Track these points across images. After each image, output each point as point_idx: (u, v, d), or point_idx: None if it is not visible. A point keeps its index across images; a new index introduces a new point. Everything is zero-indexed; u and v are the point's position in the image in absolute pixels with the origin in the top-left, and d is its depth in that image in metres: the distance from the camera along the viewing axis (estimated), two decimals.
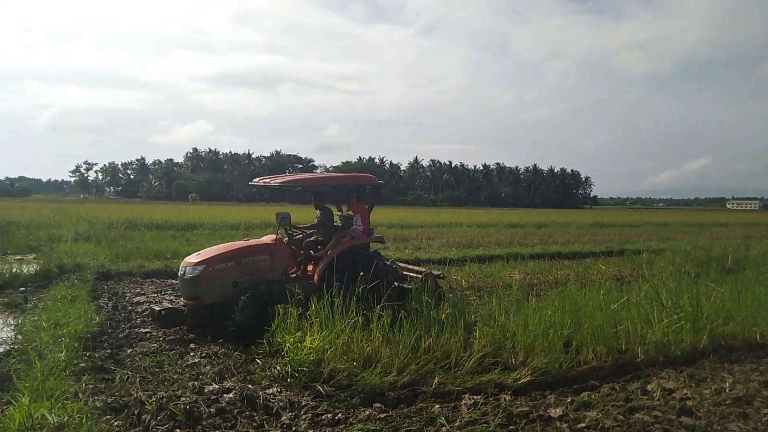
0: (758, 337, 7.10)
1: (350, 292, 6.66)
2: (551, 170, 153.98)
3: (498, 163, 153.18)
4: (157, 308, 7.48)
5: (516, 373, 5.61)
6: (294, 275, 8.00)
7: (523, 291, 8.28)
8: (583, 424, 4.57)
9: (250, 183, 8.64)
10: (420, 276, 8.53)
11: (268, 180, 7.90)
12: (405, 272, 8.76)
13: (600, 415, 4.78)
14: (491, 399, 5.16)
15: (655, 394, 5.28)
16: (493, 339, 6.18)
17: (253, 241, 7.95)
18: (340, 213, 8.95)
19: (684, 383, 5.56)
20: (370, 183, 8.67)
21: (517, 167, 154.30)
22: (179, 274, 7.37)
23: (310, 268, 8.09)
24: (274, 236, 7.92)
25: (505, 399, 5.14)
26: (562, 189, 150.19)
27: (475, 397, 5.17)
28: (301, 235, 8.46)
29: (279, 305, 6.55)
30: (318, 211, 8.59)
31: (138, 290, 10.73)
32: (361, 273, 7.23)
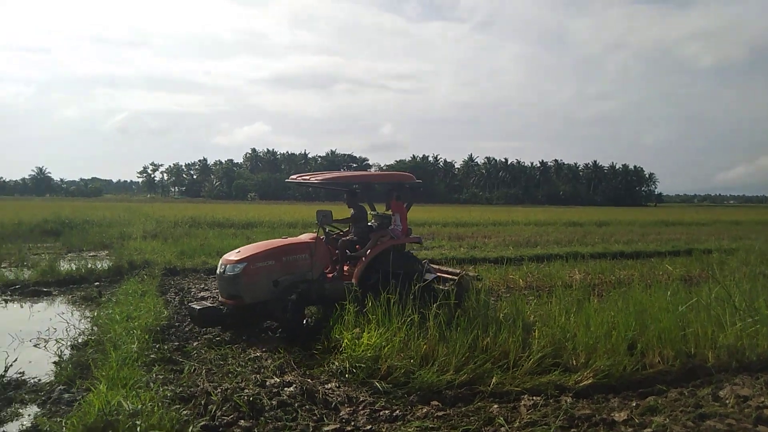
0: None
1: (404, 292, 6.56)
2: (612, 167, 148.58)
3: (556, 160, 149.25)
4: (196, 307, 7.21)
5: (577, 375, 5.47)
6: (330, 275, 7.74)
7: (584, 291, 8.05)
8: (649, 430, 4.41)
9: (287, 180, 8.36)
10: (455, 278, 8.13)
11: (308, 177, 7.80)
12: (439, 274, 8.35)
13: (667, 420, 4.59)
14: (551, 401, 5.06)
15: (728, 401, 5.02)
16: (553, 339, 6.05)
17: (293, 239, 7.81)
18: (374, 212, 8.79)
19: (761, 390, 5.25)
20: (408, 182, 8.48)
21: (576, 164, 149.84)
22: (218, 272, 7.18)
23: (345, 268, 7.83)
24: (312, 235, 7.80)
25: (566, 401, 5.03)
26: (624, 186, 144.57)
27: (534, 398, 5.08)
28: (337, 234, 8.38)
29: (338, 302, 6.59)
30: (351, 210, 8.30)
31: (202, 286, 11.18)
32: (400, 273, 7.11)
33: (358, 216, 8.19)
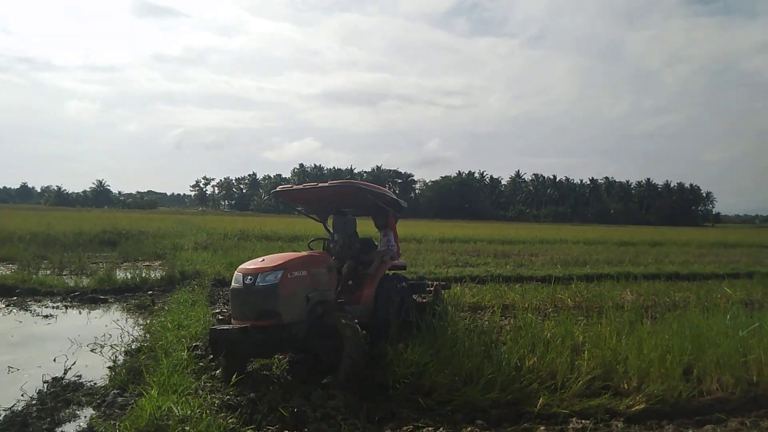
0: None
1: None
2: (667, 185, 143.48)
3: (607, 178, 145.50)
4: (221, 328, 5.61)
5: (629, 399, 5.26)
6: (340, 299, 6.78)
7: (636, 313, 7.77)
8: None
9: (272, 192, 7.69)
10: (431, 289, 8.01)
11: (297, 187, 7.28)
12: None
13: None
14: (601, 425, 4.88)
15: None
16: (603, 362, 5.85)
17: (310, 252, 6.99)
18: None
19: None
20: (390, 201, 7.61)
21: (628, 182, 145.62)
22: (239, 286, 5.59)
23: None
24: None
25: (617, 426, 4.84)
26: (679, 205, 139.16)
27: (583, 421, 4.91)
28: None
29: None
30: (335, 222, 7.46)
31: None
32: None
33: (351, 232, 7.42)
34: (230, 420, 4.30)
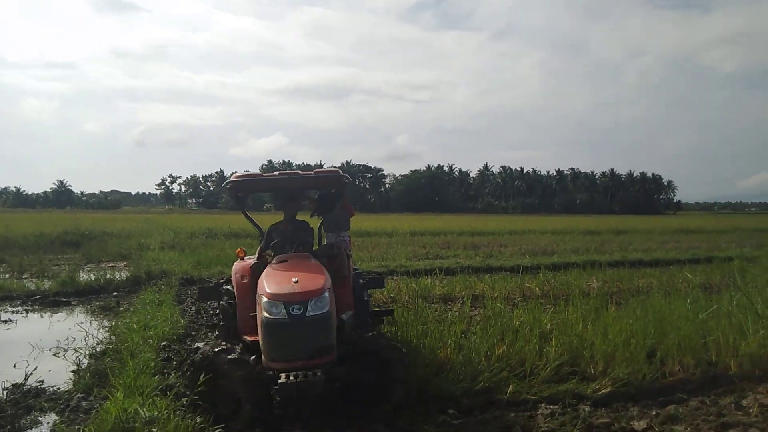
0: None
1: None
2: (630, 175, 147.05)
3: (572, 169, 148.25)
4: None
5: (595, 384, 5.39)
6: None
7: (602, 299, 7.96)
8: None
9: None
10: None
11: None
12: None
13: (689, 429, 4.51)
14: (569, 409, 4.99)
15: (751, 410, 4.90)
16: (570, 348, 5.98)
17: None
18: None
19: None
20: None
21: (593, 172, 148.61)
22: (283, 317, 4.32)
23: None
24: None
25: (584, 410, 4.96)
26: (642, 194, 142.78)
27: (552, 406, 5.02)
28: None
29: None
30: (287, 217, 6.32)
31: None
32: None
33: (305, 227, 6.29)
34: (198, 419, 4.23)
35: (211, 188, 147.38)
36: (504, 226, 36.81)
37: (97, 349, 6.90)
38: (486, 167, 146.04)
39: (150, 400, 4.43)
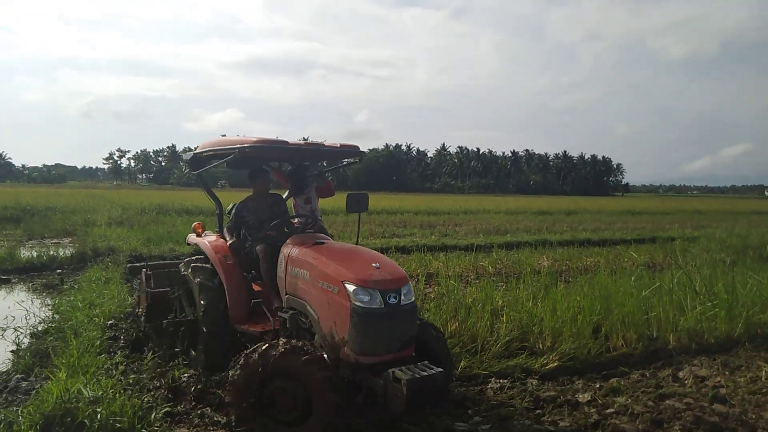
0: None
1: None
2: (581, 157, 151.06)
3: (527, 150, 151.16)
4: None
5: (543, 359, 5.56)
6: None
7: (552, 277, 8.19)
8: (611, 410, 4.51)
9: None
10: None
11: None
12: None
13: (629, 401, 4.70)
14: (518, 383, 5.14)
15: (687, 382, 5.18)
16: (520, 324, 6.13)
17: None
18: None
19: (717, 371, 5.43)
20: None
21: (546, 154, 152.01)
22: (380, 307, 3.90)
23: None
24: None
25: (532, 384, 5.11)
26: (592, 176, 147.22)
27: (501, 381, 5.15)
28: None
29: None
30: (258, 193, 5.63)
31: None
32: None
33: (284, 208, 5.80)
34: (146, 398, 4.13)
35: (163, 163, 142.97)
36: (460, 206, 37.26)
37: (39, 328, 6.61)
38: (443, 147, 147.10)
39: (95, 379, 4.29)
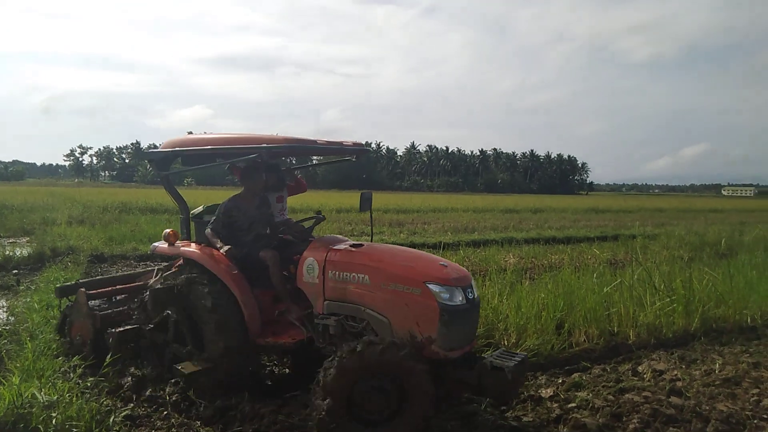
0: (749, 319, 7.16)
1: None
2: (548, 156, 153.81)
3: (495, 149, 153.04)
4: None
5: None
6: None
7: (517, 274, 8.29)
8: (573, 404, 4.60)
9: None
10: None
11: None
12: None
13: (590, 395, 4.80)
14: None
15: (645, 376, 5.32)
16: (486, 321, 6.19)
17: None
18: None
19: (674, 365, 5.60)
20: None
21: (514, 153, 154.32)
22: (464, 303, 4.10)
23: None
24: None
25: None
26: (558, 175, 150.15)
27: None
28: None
29: None
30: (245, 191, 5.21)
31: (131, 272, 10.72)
32: None
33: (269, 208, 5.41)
34: (105, 402, 4.03)
35: (127, 160, 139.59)
36: (428, 204, 37.50)
37: None
38: (413, 145, 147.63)
39: (50, 383, 4.15)
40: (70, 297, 5.71)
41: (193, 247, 4.92)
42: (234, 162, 5.18)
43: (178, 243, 5.05)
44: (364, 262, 4.32)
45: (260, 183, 5.14)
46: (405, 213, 30.51)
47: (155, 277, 5.34)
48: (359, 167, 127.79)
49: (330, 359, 3.86)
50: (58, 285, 5.70)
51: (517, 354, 4.30)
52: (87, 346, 5.18)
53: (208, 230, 4.88)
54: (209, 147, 4.93)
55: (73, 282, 5.70)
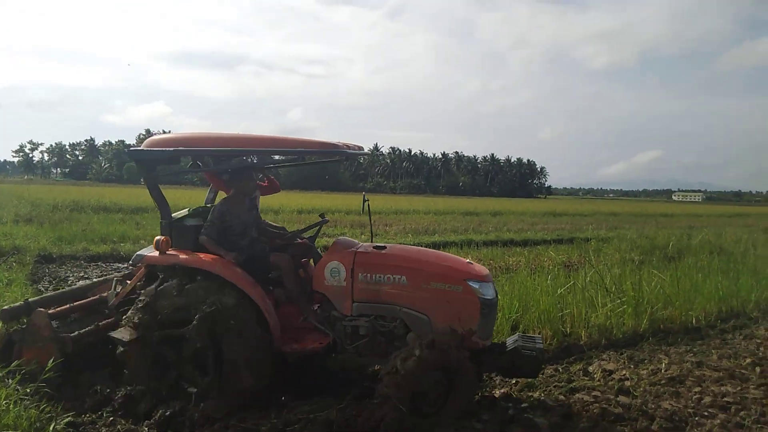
0: (694, 320, 7.44)
1: None
2: (508, 160, 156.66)
3: (457, 152, 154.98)
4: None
5: None
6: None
7: None
8: (525, 404, 4.67)
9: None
10: None
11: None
12: None
13: (542, 395, 4.89)
14: None
15: (595, 375, 5.45)
16: None
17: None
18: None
19: (623, 364, 5.76)
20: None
21: (475, 156, 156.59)
22: (494, 297, 4.61)
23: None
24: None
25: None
26: (518, 179, 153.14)
27: None
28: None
29: None
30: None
31: (82, 274, 10.35)
32: None
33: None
34: (46, 408, 3.85)
35: (80, 157, 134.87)
36: (390, 206, 37.58)
37: None
38: (376, 147, 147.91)
39: None
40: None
41: (197, 256, 4.47)
42: (259, 166, 5.28)
43: (171, 251, 4.50)
44: (400, 264, 4.53)
45: (253, 185, 4.97)
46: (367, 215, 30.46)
47: (114, 288, 5.01)
48: (322, 168, 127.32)
49: (399, 354, 4.05)
50: (4, 307, 4.99)
51: (534, 337, 4.98)
52: (46, 372, 4.33)
53: (203, 237, 4.58)
54: (238, 148, 4.65)
55: (21, 302, 5.05)
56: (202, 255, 4.51)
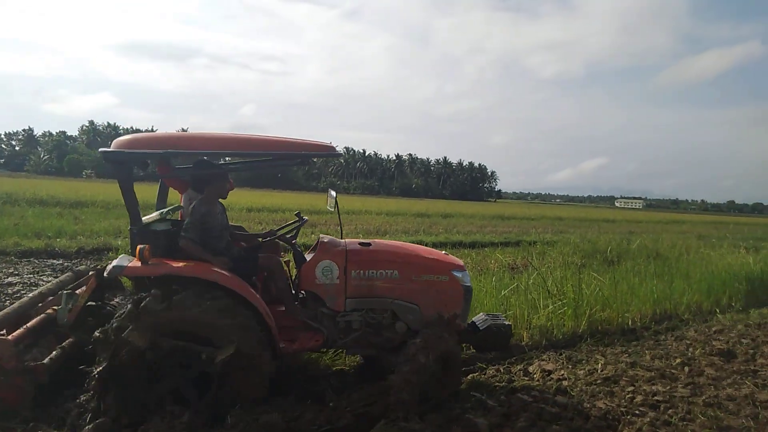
0: (630, 322, 7.74)
1: None
2: (460, 163, 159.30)
3: (410, 154, 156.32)
4: None
5: None
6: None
7: None
8: (468, 405, 4.72)
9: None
10: None
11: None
12: None
13: (484, 396, 4.95)
14: (381, 382, 5.19)
15: (535, 375, 5.57)
16: None
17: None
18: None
19: (562, 365, 5.91)
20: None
21: (428, 159, 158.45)
22: (470, 282, 5.27)
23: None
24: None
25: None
26: (469, 182, 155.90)
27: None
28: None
29: None
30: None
31: (11, 270, 9.81)
32: None
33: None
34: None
35: (17, 147, 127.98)
36: (343, 206, 37.18)
37: None
38: None
39: None
40: None
41: (188, 264, 4.19)
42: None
43: (154, 261, 4.14)
44: (391, 259, 4.86)
45: (230, 187, 4.92)
46: (318, 214, 30.20)
47: (64, 304, 4.58)
48: (273, 166, 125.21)
49: (406, 352, 4.31)
50: None
51: (498, 315, 5.62)
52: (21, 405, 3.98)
53: (184, 241, 4.32)
54: (234, 150, 4.66)
55: None
56: (192, 263, 4.22)
